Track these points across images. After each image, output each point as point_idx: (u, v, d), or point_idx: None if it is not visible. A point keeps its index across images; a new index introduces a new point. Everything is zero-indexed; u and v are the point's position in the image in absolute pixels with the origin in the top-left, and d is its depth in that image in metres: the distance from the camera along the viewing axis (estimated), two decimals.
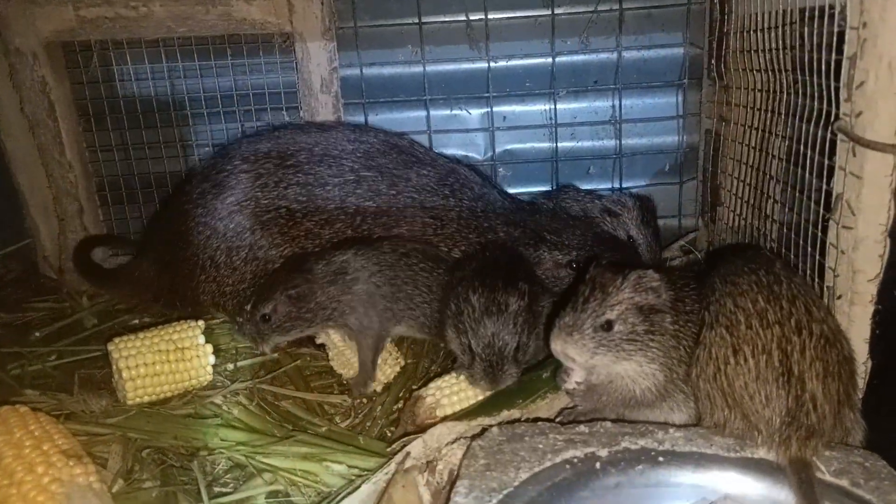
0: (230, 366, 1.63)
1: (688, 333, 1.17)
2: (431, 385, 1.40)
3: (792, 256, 1.39)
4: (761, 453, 1.04)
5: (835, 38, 1.14)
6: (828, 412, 1.01)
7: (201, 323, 1.56)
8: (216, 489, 1.23)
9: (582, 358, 1.14)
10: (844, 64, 1.10)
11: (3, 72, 1.91)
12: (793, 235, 1.39)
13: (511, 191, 2.14)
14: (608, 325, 1.13)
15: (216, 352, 1.56)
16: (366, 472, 1.22)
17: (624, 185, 2.12)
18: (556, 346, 1.15)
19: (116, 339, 1.48)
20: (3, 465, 1.06)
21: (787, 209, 1.44)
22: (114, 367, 1.46)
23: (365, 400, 1.53)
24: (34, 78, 1.92)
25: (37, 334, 1.80)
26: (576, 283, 1.25)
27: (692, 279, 1.28)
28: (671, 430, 1.11)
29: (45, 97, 1.94)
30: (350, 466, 1.28)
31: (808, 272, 1.30)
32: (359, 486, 1.13)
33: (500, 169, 2.15)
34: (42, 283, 2.10)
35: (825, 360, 1.02)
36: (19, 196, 2.06)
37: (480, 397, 1.41)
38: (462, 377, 1.41)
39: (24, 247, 2.16)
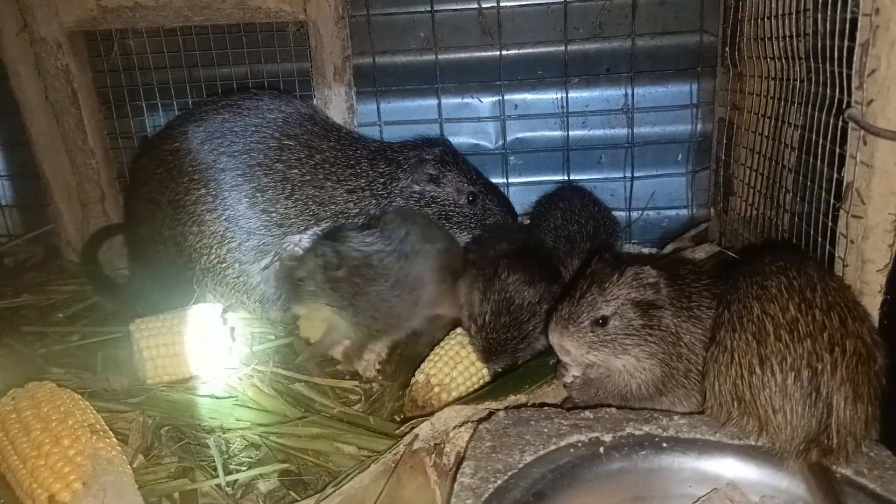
0: (247, 349, 1.67)
1: (691, 329, 1.18)
2: (420, 368, 1.45)
3: (803, 247, 1.39)
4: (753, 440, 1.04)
5: (847, 25, 1.13)
6: (853, 436, 0.98)
7: (220, 307, 1.60)
8: (231, 466, 1.28)
9: (579, 351, 1.15)
10: (856, 51, 1.09)
11: (29, 61, 1.97)
12: (804, 225, 1.39)
13: (522, 179, 2.16)
14: (604, 321, 1.14)
15: (233, 336, 1.60)
16: (375, 454, 1.25)
17: (636, 175, 2.11)
18: (554, 339, 1.17)
19: (138, 320, 1.53)
20: (31, 438, 1.10)
21: (798, 199, 1.44)
22: (135, 347, 1.51)
23: (376, 386, 1.57)
24: (58, 67, 1.97)
25: (60, 315, 1.87)
26: (577, 277, 1.26)
27: (703, 274, 1.27)
28: (675, 417, 1.12)
29: (68, 85, 1.99)
30: (360, 448, 1.31)
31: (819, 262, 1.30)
32: (368, 467, 1.17)
33: (511, 158, 2.15)
34: (65, 267, 2.16)
35: (855, 382, 0.97)
36: (43, 182, 2.12)
37: (470, 366, 1.45)
38: (445, 347, 1.47)
39: (47, 231, 2.23)
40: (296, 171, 1.68)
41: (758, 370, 1.01)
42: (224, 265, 1.69)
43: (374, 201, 1.69)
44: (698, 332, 1.18)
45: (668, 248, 1.98)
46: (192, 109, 1.79)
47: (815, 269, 1.09)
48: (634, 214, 2.15)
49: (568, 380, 1.24)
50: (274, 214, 1.67)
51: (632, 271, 1.16)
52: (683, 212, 2.16)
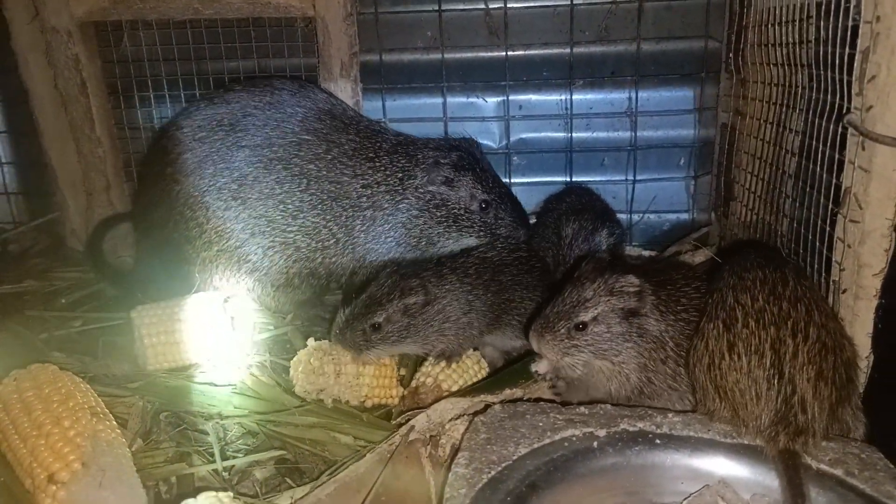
0: (246, 338, 1.68)
1: (679, 331, 1.20)
2: (419, 372, 1.46)
3: (801, 251, 1.40)
4: (757, 441, 1.06)
5: (849, 33, 1.15)
6: (818, 414, 1.02)
7: (221, 296, 1.62)
8: (228, 453, 1.29)
9: (553, 356, 1.20)
10: (857, 58, 1.11)
11: (40, 49, 1.99)
12: (802, 230, 1.40)
13: (525, 180, 2.17)
14: (583, 326, 1.18)
15: (233, 325, 1.62)
16: (371, 444, 1.26)
17: (638, 178, 2.12)
18: (533, 343, 1.22)
19: (139, 308, 1.54)
20: (32, 418, 1.12)
21: (798, 204, 1.45)
22: (136, 333, 1.52)
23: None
24: (68, 56, 1.99)
25: (63, 301, 1.88)
26: (565, 280, 1.28)
27: (696, 279, 1.29)
28: (669, 415, 1.13)
29: (77, 74, 2.01)
30: (356, 438, 1.32)
31: (816, 267, 1.31)
32: (363, 456, 1.18)
33: (515, 158, 2.17)
34: (69, 255, 2.17)
35: (818, 365, 1.03)
36: (50, 170, 2.13)
37: (475, 375, 1.46)
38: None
39: (52, 219, 2.25)
40: (312, 165, 1.69)
41: (727, 355, 1.07)
42: (240, 251, 1.70)
43: (389, 196, 1.69)
44: (687, 335, 1.20)
45: (669, 252, 1.99)
46: (204, 100, 1.79)
47: (791, 270, 1.14)
48: (636, 217, 2.16)
49: (541, 369, 1.26)
50: (290, 206, 1.68)
51: (613, 279, 1.19)
52: (684, 216, 2.17)
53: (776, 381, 1.03)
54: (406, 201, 1.69)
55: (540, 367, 1.26)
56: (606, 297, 1.18)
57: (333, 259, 1.72)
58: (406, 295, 1.39)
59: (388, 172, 1.70)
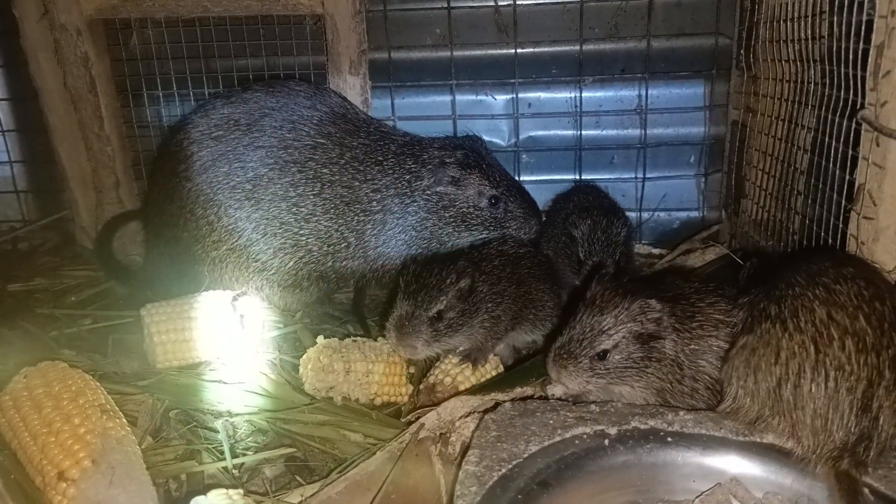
0: (256, 336, 1.68)
1: (695, 349, 1.18)
2: (438, 369, 1.45)
3: (813, 248, 1.39)
4: (770, 438, 1.05)
5: (863, 28, 1.14)
6: (887, 451, 0.98)
7: (231, 294, 1.62)
8: (238, 450, 1.28)
9: (577, 386, 1.18)
10: (871, 53, 1.10)
11: (49, 47, 1.99)
12: (815, 228, 1.39)
13: (534, 178, 2.16)
14: (603, 355, 1.16)
15: (243, 323, 1.62)
16: (381, 442, 1.26)
17: (647, 176, 2.12)
18: (553, 374, 1.20)
19: (149, 305, 1.54)
20: (42, 416, 1.12)
21: (810, 201, 1.44)
22: (145, 331, 1.52)
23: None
24: (77, 54, 1.99)
25: (73, 299, 1.88)
26: (577, 297, 1.26)
27: (710, 293, 1.25)
28: (681, 413, 1.13)
29: (86, 72, 2.01)
30: (366, 436, 1.32)
31: None
32: (373, 454, 1.17)
33: (524, 156, 2.17)
34: (78, 253, 2.18)
35: None
36: (59, 168, 2.14)
37: (490, 373, 1.45)
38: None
39: (62, 217, 2.25)
40: (326, 170, 1.69)
41: (809, 374, 0.98)
42: (250, 250, 1.70)
43: (398, 200, 1.69)
44: (703, 351, 1.19)
45: (679, 250, 1.98)
46: (220, 98, 1.79)
47: (883, 280, 1.07)
48: (645, 215, 2.15)
49: (557, 392, 1.24)
50: (303, 209, 1.68)
51: (636, 306, 1.16)
52: (694, 214, 2.16)
53: (861, 416, 0.96)
54: (415, 204, 1.69)
55: (556, 391, 1.24)
56: (629, 323, 1.15)
57: (344, 262, 1.73)
58: (461, 277, 1.37)
59: (396, 176, 1.70)
